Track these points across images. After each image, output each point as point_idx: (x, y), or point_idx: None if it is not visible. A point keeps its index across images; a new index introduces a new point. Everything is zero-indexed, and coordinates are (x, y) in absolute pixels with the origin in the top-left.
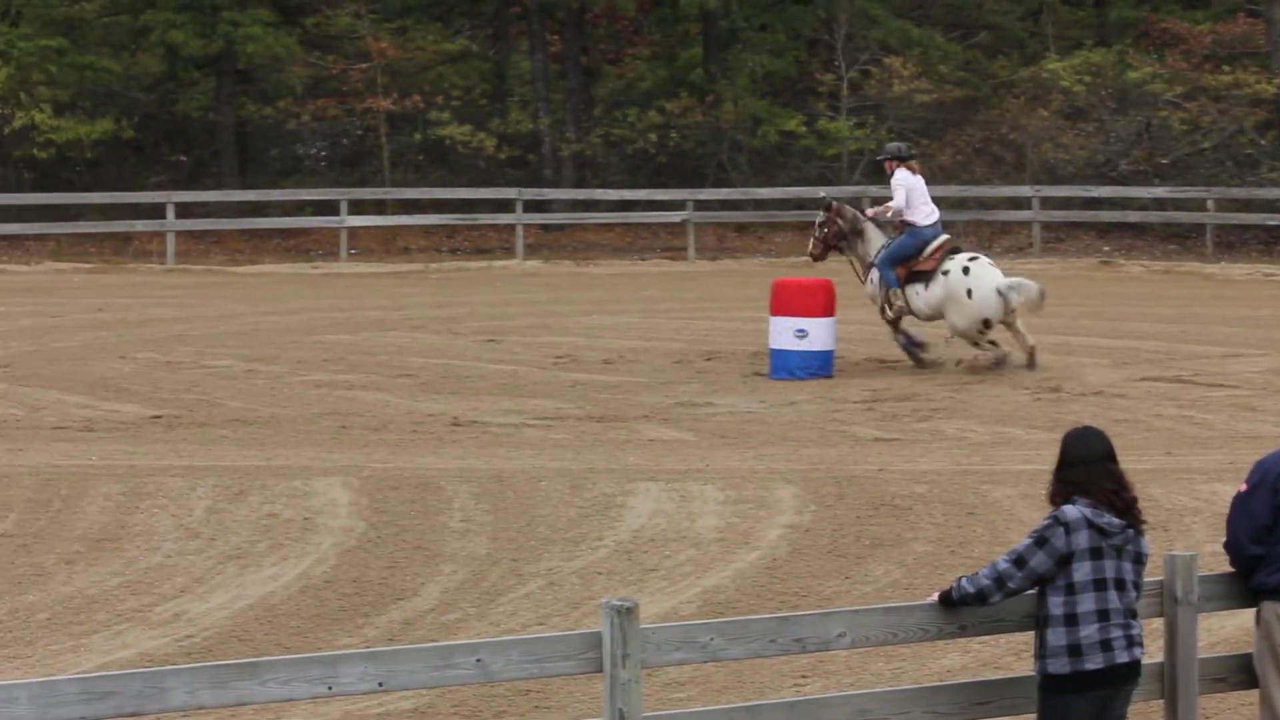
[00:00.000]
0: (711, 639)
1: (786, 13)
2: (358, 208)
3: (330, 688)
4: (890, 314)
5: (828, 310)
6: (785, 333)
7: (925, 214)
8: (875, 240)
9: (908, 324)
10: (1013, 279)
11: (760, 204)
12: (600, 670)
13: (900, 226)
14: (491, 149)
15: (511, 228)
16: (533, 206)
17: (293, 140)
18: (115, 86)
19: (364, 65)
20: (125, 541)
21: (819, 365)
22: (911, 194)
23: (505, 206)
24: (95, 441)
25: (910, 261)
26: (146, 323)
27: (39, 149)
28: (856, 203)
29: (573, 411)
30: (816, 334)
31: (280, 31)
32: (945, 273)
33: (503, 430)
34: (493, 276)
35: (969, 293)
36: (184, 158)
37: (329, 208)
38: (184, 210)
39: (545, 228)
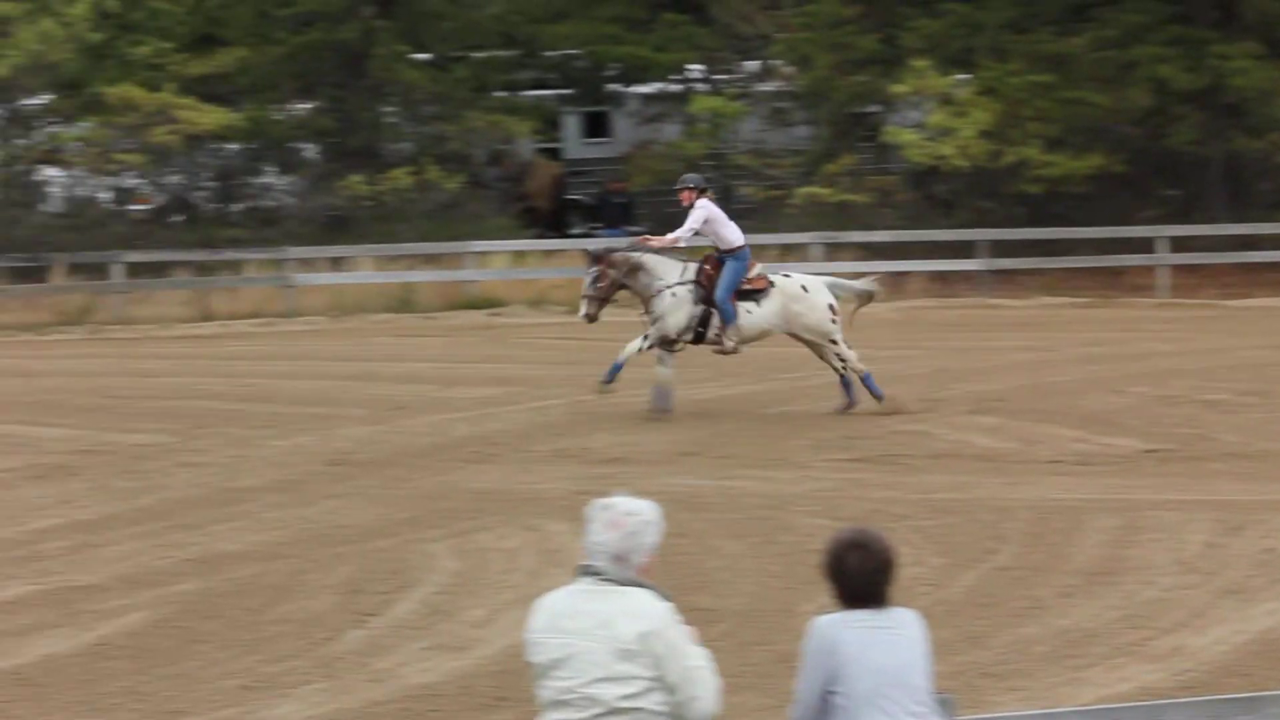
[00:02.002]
0: None
1: None
2: None
3: None
4: (729, 346)
5: None
6: None
7: (740, 235)
8: (661, 267)
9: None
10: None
11: None
12: None
13: (723, 253)
14: None
15: None
16: None
17: None
18: (1104, 121)
19: None
20: (1121, 575)
21: None
22: (717, 221)
23: None
24: (1090, 475)
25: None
26: (1140, 357)
27: (1030, 184)
28: None
29: None
30: None
31: (1269, 64)
32: (772, 284)
33: None
34: None
35: (804, 288)
36: (1175, 192)
37: None
38: (1176, 244)
39: None
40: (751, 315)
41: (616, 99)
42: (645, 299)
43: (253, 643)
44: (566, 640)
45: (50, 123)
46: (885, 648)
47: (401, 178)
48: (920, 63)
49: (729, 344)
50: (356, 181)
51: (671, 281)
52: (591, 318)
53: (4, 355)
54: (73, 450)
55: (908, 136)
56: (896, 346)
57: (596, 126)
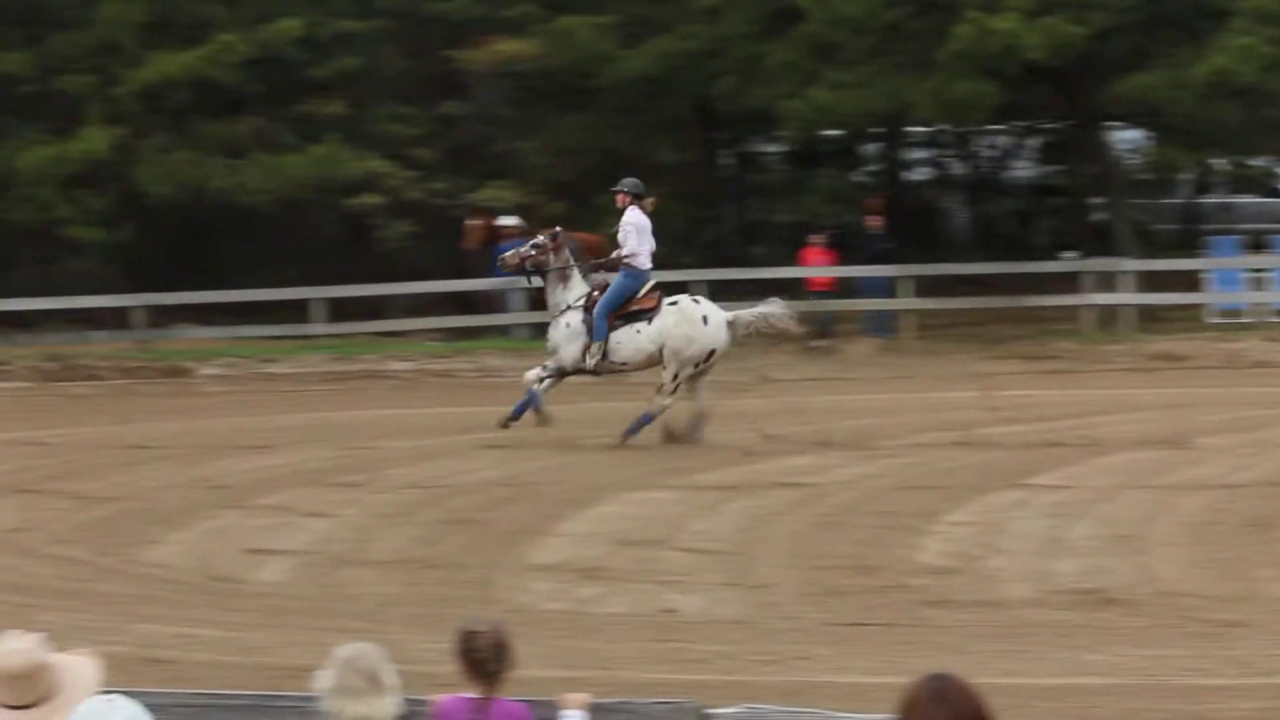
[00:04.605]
0: None
1: None
2: None
3: None
4: (589, 364)
5: None
6: None
7: (647, 256)
8: (576, 289)
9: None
10: (738, 312)
11: None
12: None
13: (616, 268)
14: None
15: None
16: None
17: None
18: None
19: None
20: None
21: None
22: (640, 234)
23: None
24: None
25: (625, 304)
26: None
27: None
28: None
29: None
30: None
31: None
32: (673, 303)
33: None
34: None
35: (705, 319)
36: None
37: None
38: None
39: None
40: (638, 336)
41: None
42: (554, 310)
43: None
44: None
45: None
46: None
47: None
48: None
49: (589, 361)
50: None
51: (569, 302)
52: (509, 265)
53: None
54: None
55: None
56: None
57: None
